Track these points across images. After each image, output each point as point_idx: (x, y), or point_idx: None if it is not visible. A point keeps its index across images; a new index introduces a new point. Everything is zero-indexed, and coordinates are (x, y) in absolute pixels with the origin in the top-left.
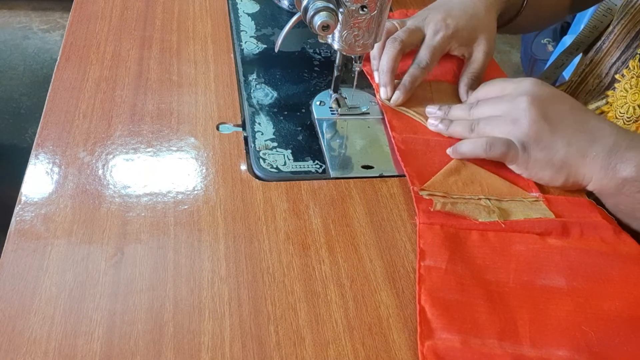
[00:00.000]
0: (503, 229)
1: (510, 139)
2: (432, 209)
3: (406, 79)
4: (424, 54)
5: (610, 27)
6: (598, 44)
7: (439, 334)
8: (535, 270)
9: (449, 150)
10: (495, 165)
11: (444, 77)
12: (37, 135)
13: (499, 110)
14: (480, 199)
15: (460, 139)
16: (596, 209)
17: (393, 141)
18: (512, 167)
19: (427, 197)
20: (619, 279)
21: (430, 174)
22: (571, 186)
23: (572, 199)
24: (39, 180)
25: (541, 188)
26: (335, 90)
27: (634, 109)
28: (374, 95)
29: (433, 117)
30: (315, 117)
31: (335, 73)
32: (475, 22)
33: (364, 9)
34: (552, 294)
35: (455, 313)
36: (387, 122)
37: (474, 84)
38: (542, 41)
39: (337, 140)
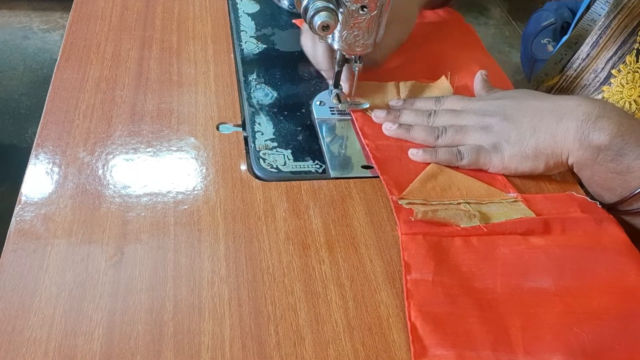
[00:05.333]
0: (485, 232)
1: (481, 144)
2: (412, 219)
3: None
4: None
5: (604, 20)
6: (594, 38)
7: (433, 350)
8: (521, 272)
9: (415, 155)
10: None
11: (413, 76)
12: (37, 135)
13: (463, 121)
14: (459, 203)
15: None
16: (575, 201)
17: (367, 149)
18: (490, 170)
19: (406, 207)
20: (605, 273)
21: (407, 180)
22: (555, 168)
23: (550, 195)
24: (38, 180)
25: (518, 188)
26: (336, 86)
27: (630, 104)
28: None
29: (385, 121)
30: (315, 117)
31: (336, 68)
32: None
33: (364, 9)
34: (541, 296)
35: (448, 327)
36: (358, 130)
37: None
38: (542, 41)
39: (337, 141)
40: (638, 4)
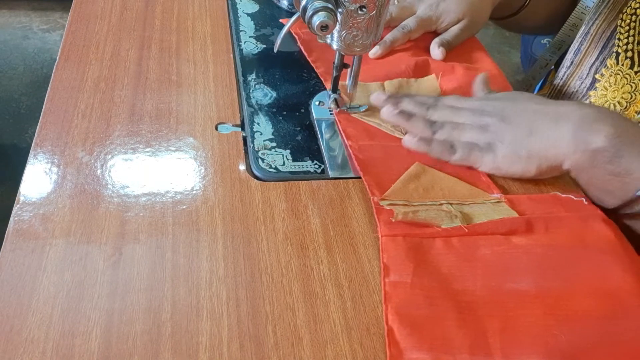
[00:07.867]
0: (466, 233)
1: (475, 142)
2: (393, 220)
3: (387, 37)
4: (411, 21)
5: (584, 27)
6: (576, 45)
7: (409, 354)
8: (502, 273)
9: (410, 141)
10: (455, 168)
11: (401, 75)
12: (35, 135)
13: (461, 118)
14: (441, 204)
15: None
16: (559, 202)
17: (350, 150)
18: (481, 168)
19: (387, 208)
20: (588, 273)
21: (389, 181)
22: (547, 172)
23: (534, 196)
24: (37, 180)
25: (502, 188)
26: (334, 91)
27: (614, 105)
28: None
29: (385, 104)
30: (314, 117)
31: (334, 73)
32: (464, 6)
33: (363, 9)
34: (521, 298)
35: (425, 330)
36: (341, 131)
37: (444, 45)
38: (542, 41)
39: (336, 140)
40: (614, 9)
